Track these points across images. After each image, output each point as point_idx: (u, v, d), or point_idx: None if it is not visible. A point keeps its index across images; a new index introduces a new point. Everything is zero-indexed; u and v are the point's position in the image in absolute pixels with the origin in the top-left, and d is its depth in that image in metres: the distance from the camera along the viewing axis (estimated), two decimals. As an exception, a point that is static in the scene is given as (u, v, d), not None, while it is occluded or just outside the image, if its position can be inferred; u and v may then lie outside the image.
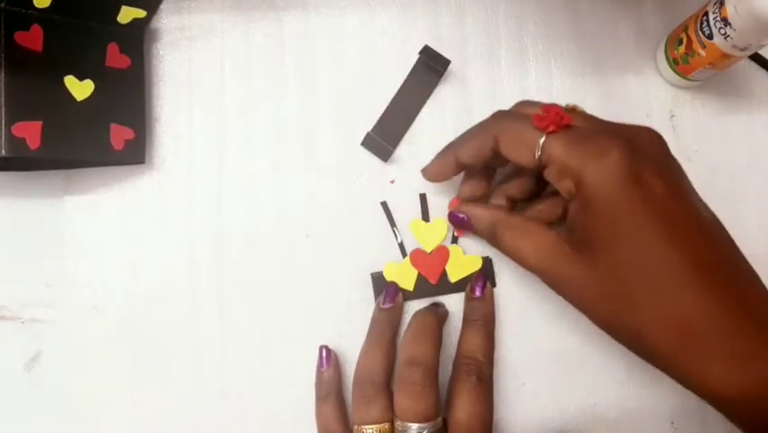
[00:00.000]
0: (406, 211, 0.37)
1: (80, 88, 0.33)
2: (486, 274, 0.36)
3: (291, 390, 0.35)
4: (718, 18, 0.33)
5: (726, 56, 0.34)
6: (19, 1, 0.31)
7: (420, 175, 0.37)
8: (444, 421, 0.31)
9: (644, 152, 0.27)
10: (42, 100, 0.32)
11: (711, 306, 0.25)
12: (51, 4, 0.32)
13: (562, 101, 0.38)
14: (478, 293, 0.35)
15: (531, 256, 0.30)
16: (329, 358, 0.34)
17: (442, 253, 0.36)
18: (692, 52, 0.36)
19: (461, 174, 0.36)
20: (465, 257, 0.36)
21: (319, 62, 0.38)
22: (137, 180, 0.36)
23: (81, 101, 0.33)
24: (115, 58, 0.35)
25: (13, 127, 0.31)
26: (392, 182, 0.37)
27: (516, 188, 0.34)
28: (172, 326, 0.35)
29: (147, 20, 0.35)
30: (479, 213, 0.34)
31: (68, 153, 0.33)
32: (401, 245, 0.36)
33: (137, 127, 0.35)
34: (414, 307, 0.36)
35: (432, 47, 0.37)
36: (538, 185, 0.34)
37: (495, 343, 0.35)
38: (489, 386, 0.32)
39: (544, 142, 0.28)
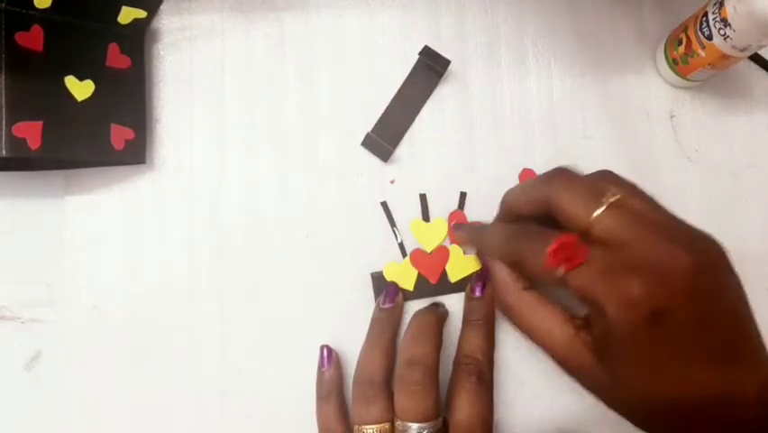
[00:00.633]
0: (407, 211, 0.37)
1: (81, 89, 0.33)
2: (486, 274, 0.36)
3: (291, 390, 0.35)
4: (718, 19, 0.33)
5: (725, 56, 0.34)
6: (19, 1, 0.31)
7: (420, 175, 0.37)
8: (445, 421, 0.31)
9: (675, 283, 0.25)
10: (43, 100, 0.32)
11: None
12: (52, 4, 0.32)
13: (563, 101, 0.38)
14: (478, 293, 0.35)
15: (547, 343, 0.29)
16: (330, 358, 0.34)
17: (442, 253, 0.36)
18: (692, 53, 0.36)
19: (462, 174, 0.36)
20: (465, 257, 0.36)
21: (319, 62, 0.38)
22: (137, 180, 0.36)
23: (82, 101, 0.33)
24: (116, 58, 0.35)
25: (13, 127, 0.31)
26: (392, 182, 0.37)
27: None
28: (172, 326, 0.35)
29: (148, 20, 0.35)
30: (501, 276, 0.31)
31: (69, 153, 0.33)
32: (401, 245, 0.36)
33: (137, 127, 0.35)
34: (414, 307, 0.36)
35: (432, 47, 0.37)
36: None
37: (495, 343, 0.35)
38: (489, 386, 0.32)
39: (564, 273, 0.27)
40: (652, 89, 0.39)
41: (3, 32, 0.31)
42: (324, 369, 0.34)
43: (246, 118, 0.37)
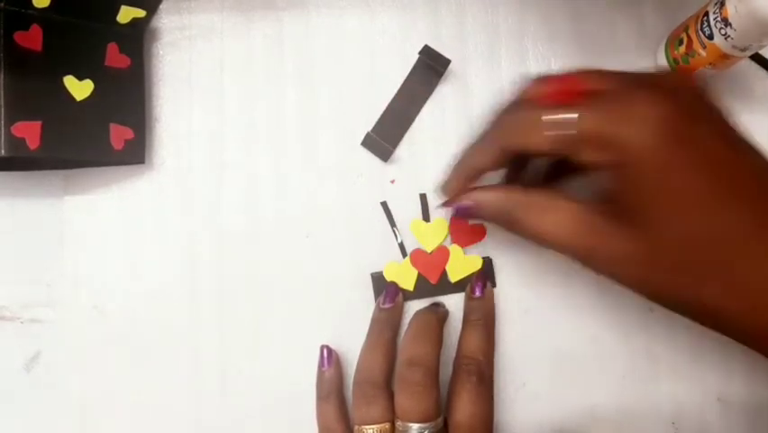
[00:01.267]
0: (407, 211, 0.37)
1: (80, 88, 0.33)
2: (486, 274, 0.36)
3: (291, 390, 0.35)
4: (719, 18, 0.33)
5: (726, 56, 0.34)
6: (18, 1, 0.31)
7: (420, 175, 0.37)
8: (445, 421, 0.31)
9: (686, 103, 0.23)
10: (42, 100, 0.32)
11: None
12: (51, 3, 0.32)
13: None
14: (478, 293, 0.35)
15: (561, 233, 0.26)
16: (330, 358, 0.34)
17: (442, 253, 0.36)
18: (693, 52, 0.36)
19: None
20: (465, 257, 0.36)
21: (319, 62, 0.38)
22: (137, 180, 0.36)
23: (81, 101, 0.33)
24: (115, 57, 0.35)
25: (12, 127, 0.31)
26: (392, 182, 0.37)
27: (532, 174, 0.31)
28: (172, 326, 0.35)
29: (147, 20, 0.35)
30: (490, 196, 0.29)
31: (68, 153, 0.33)
32: (401, 245, 0.36)
33: (137, 127, 0.35)
34: (414, 307, 0.36)
35: (432, 47, 0.37)
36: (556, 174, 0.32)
37: (495, 343, 0.35)
38: (489, 386, 0.32)
39: (568, 118, 0.24)
40: (652, 89, 0.39)
41: (2, 32, 0.31)
42: (323, 369, 0.34)
43: (246, 118, 0.37)
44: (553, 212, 0.26)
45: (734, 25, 0.32)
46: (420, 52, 0.37)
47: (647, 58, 0.40)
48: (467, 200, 0.31)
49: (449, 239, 0.37)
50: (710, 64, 0.36)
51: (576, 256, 0.27)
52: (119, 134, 0.34)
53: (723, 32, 0.33)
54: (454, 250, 0.36)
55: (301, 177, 0.37)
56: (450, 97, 0.38)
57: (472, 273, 0.36)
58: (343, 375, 0.35)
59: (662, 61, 0.39)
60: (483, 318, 0.34)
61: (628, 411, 0.35)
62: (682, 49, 0.37)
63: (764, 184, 0.24)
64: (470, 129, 0.38)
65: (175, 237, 0.36)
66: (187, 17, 0.38)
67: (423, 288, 0.36)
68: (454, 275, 0.36)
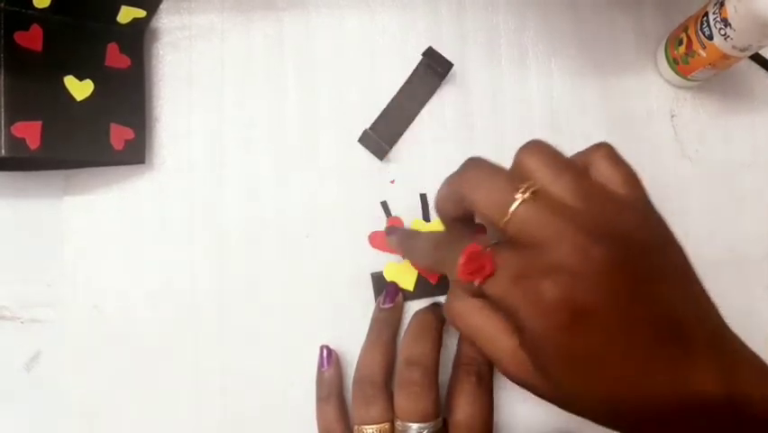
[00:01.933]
0: (407, 211, 0.37)
1: (80, 88, 0.33)
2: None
3: (291, 389, 0.35)
4: (718, 19, 0.33)
5: (726, 56, 0.34)
6: (18, 1, 0.31)
7: (420, 175, 0.37)
8: (444, 421, 0.31)
9: (592, 281, 0.23)
10: (42, 100, 0.32)
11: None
12: (51, 3, 0.32)
13: (563, 101, 0.38)
14: None
15: (493, 357, 0.27)
16: (330, 358, 0.34)
17: None
18: (692, 53, 0.36)
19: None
20: None
21: (319, 62, 0.38)
22: (137, 180, 0.36)
23: (81, 101, 0.33)
24: (115, 58, 0.35)
25: (12, 127, 0.31)
26: (392, 182, 0.37)
27: None
28: (172, 326, 0.35)
29: (147, 20, 0.35)
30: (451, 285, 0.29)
31: (68, 153, 0.33)
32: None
33: (137, 127, 0.35)
34: (414, 307, 0.36)
35: (432, 47, 0.37)
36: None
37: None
38: (489, 386, 0.32)
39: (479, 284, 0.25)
40: (652, 89, 0.39)
41: (2, 32, 0.31)
42: (323, 369, 0.34)
43: (246, 118, 0.37)
44: (494, 334, 0.26)
45: (733, 26, 0.32)
46: (423, 54, 0.37)
47: (647, 58, 0.40)
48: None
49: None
50: (710, 64, 0.36)
51: (500, 370, 0.27)
52: (119, 134, 0.34)
53: (723, 32, 0.33)
54: None
55: (301, 177, 0.37)
56: (450, 97, 0.38)
57: None
58: (343, 375, 0.35)
59: (662, 61, 0.39)
60: None
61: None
62: (682, 49, 0.37)
63: (661, 329, 0.23)
64: (470, 129, 0.38)
65: (175, 237, 0.36)
66: (187, 17, 0.38)
67: (423, 288, 0.36)
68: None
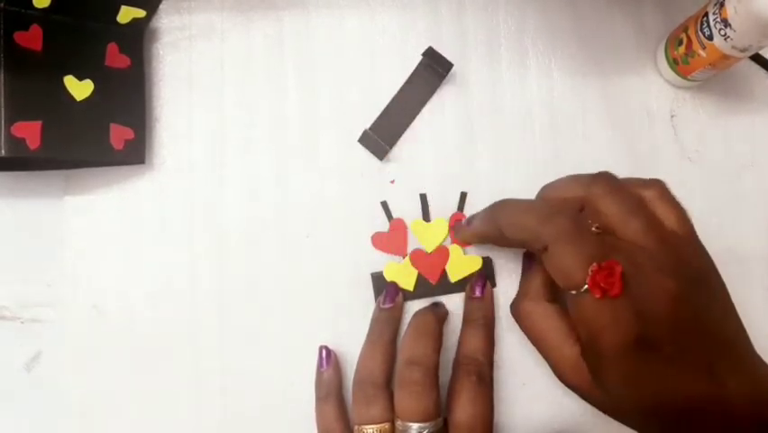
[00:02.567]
0: (407, 211, 0.37)
1: (80, 88, 0.33)
2: (486, 274, 0.36)
3: (291, 389, 0.35)
4: (718, 19, 0.33)
5: (726, 57, 0.34)
6: (18, 1, 0.31)
7: (420, 175, 0.37)
8: (445, 421, 0.31)
9: (660, 312, 0.27)
10: (42, 100, 0.32)
11: None
12: (51, 3, 0.32)
13: (563, 101, 0.38)
14: (478, 293, 0.35)
15: (553, 360, 0.31)
16: (329, 358, 0.34)
17: (442, 253, 0.36)
18: (692, 53, 0.36)
19: (463, 174, 0.36)
20: (465, 257, 0.36)
21: (319, 62, 0.38)
22: (137, 180, 0.36)
23: (81, 101, 0.33)
24: (115, 58, 0.35)
25: (12, 127, 0.31)
26: (392, 182, 0.37)
27: None
28: (172, 326, 0.35)
29: (147, 20, 0.35)
30: (533, 281, 0.33)
31: (68, 153, 0.33)
32: (401, 245, 0.37)
33: (137, 127, 0.35)
34: (414, 307, 0.36)
35: (433, 47, 0.37)
36: None
37: (495, 343, 0.35)
38: (489, 386, 0.32)
39: (575, 296, 0.28)
40: (652, 89, 0.39)
41: (2, 32, 0.31)
42: (322, 369, 0.34)
43: (246, 118, 0.37)
44: (559, 340, 0.30)
45: (733, 26, 0.32)
46: (423, 54, 0.37)
47: (647, 58, 0.40)
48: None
49: (449, 239, 0.37)
50: (710, 64, 0.36)
51: (556, 373, 0.31)
52: (119, 134, 0.34)
53: (722, 32, 0.33)
54: (454, 250, 0.36)
55: (301, 177, 0.37)
56: (450, 97, 0.38)
57: (472, 273, 0.36)
58: (343, 375, 0.35)
59: (662, 61, 0.39)
60: (483, 319, 0.34)
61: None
62: (682, 49, 0.37)
63: (710, 351, 0.27)
64: (470, 129, 0.38)
65: (175, 237, 0.36)
66: (187, 17, 0.38)
67: (423, 288, 0.36)
68: (454, 275, 0.36)
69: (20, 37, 0.31)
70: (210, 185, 0.37)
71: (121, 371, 0.35)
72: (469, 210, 0.37)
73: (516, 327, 0.36)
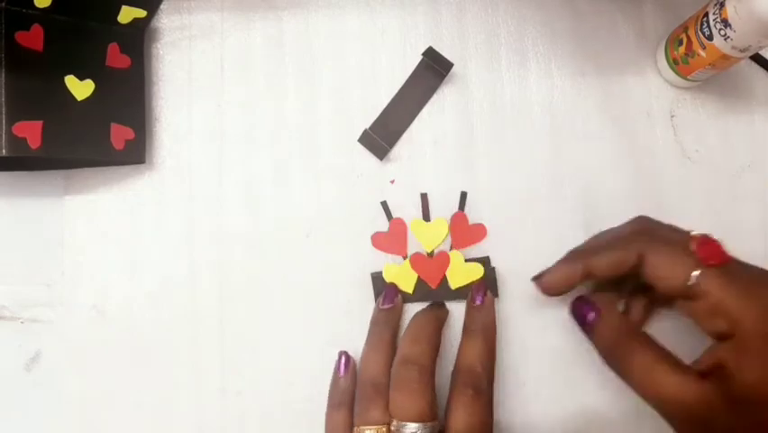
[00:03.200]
0: (407, 211, 0.37)
1: (81, 88, 0.33)
2: (486, 283, 0.35)
3: (291, 390, 0.35)
4: (718, 19, 0.33)
5: (726, 57, 0.34)
6: (19, 0, 0.31)
7: (420, 175, 0.36)
8: (442, 430, 0.31)
9: None
10: (43, 100, 0.32)
11: None
12: (52, 3, 0.32)
13: (563, 101, 0.38)
14: (478, 301, 0.34)
15: (665, 398, 0.28)
16: (348, 365, 0.34)
17: (442, 259, 0.36)
18: (692, 53, 0.36)
19: (463, 174, 0.35)
20: (466, 265, 0.36)
21: (319, 62, 0.38)
22: (137, 180, 0.36)
23: (82, 101, 0.33)
24: (116, 58, 0.35)
25: (13, 127, 0.31)
26: (392, 182, 0.37)
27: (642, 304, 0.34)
28: (172, 326, 0.35)
29: (147, 20, 0.35)
30: (614, 322, 0.31)
31: (69, 153, 0.33)
32: (401, 245, 0.36)
33: (137, 127, 0.35)
34: (413, 309, 0.36)
35: (434, 48, 0.37)
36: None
37: (496, 348, 0.34)
38: (487, 397, 0.31)
39: (700, 274, 0.28)
40: (652, 89, 0.39)
41: (3, 32, 0.31)
42: (340, 376, 0.33)
43: (246, 118, 0.37)
44: (665, 372, 0.28)
45: (733, 26, 0.32)
46: (423, 54, 0.37)
47: (647, 58, 0.40)
48: (592, 305, 0.32)
49: (449, 241, 0.36)
50: (710, 65, 0.36)
51: (671, 414, 0.29)
52: (120, 134, 0.34)
53: (722, 32, 0.33)
54: (455, 256, 0.36)
55: (301, 177, 0.37)
56: (450, 97, 0.38)
57: (474, 281, 0.35)
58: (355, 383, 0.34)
59: (662, 61, 0.39)
60: (482, 328, 0.33)
61: (628, 412, 0.35)
62: (682, 49, 0.37)
63: None
64: (470, 129, 0.38)
65: (175, 237, 0.36)
66: (187, 17, 0.38)
67: (422, 291, 0.36)
68: (455, 282, 0.36)
69: (21, 37, 0.32)
70: (210, 185, 0.37)
71: (120, 371, 0.35)
72: (468, 210, 0.37)
73: (517, 327, 0.36)
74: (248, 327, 0.36)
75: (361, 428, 0.31)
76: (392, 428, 0.30)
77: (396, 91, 0.38)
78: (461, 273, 0.36)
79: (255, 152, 0.37)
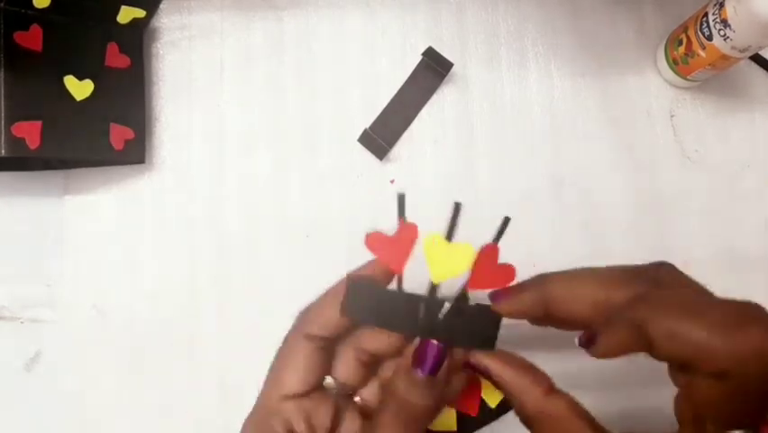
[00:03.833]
0: (406, 211, 0.37)
1: (80, 88, 0.33)
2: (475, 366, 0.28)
3: (291, 390, 0.35)
4: (718, 19, 0.33)
5: (725, 57, 0.34)
6: (18, 1, 0.31)
7: (420, 175, 0.37)
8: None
9: None
10: (42, 100, 0.32)
11: None
12: (51, 3, 0.32)
13: (563, 101, 0.38)
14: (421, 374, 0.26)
15: None
16: None
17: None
18: (692, 53, 0.36)
19: (462, 174, 0.35)
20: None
21: (319, 62, 0.38)
22: (137, 180, 0.36)
23: (81, 101, 0.33)
24: (115, 57, 0.35)
25: (12, 127, 0.31)
26: (392, 182, 0.37)
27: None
28: (172, 325, 0.35)
29: (147, 19, 0.35)
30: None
31: (68, 153, 0.33)
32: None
33: (137, 127, 0.35)
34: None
35: (434, 48, 0.37)
36: None
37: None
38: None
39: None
40: (652, 89, 0.39)
41: (2, 32, 0.31)
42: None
43: (246, 117, 0.37)
44: None
45: (733, 26, 0.32)
46: (423, 54, 0.37)
47: (647, 58, 0.40)
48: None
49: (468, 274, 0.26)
50: (710, 65, 0.36)
51: None
52: (119, 134, 0.34)
53: (722, 33, 0.33)
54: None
55: (301, 177, 0.37)
56: (450, 97, 0.38)
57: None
58: None
59: (662, 61, 0.39)
60: None
61: (629, 413, 0.35)
62: (682, 49, 0.37)
63: None
64: (470, 129, 0.38)
65: (175, 237, 0.36)
66: (187, 17, 0.38)
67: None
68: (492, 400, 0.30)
69: (20, 37, 0.31)
70: (210, 185, 0.37)
71: (120, 370, 0.35)
72: (468, 210, 0.37)
73: (517, 327, 0.36)
74: (247, 327, 0.36)
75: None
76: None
77: (396, 91, 0.38)
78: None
79: (255, 152, 0.37)
